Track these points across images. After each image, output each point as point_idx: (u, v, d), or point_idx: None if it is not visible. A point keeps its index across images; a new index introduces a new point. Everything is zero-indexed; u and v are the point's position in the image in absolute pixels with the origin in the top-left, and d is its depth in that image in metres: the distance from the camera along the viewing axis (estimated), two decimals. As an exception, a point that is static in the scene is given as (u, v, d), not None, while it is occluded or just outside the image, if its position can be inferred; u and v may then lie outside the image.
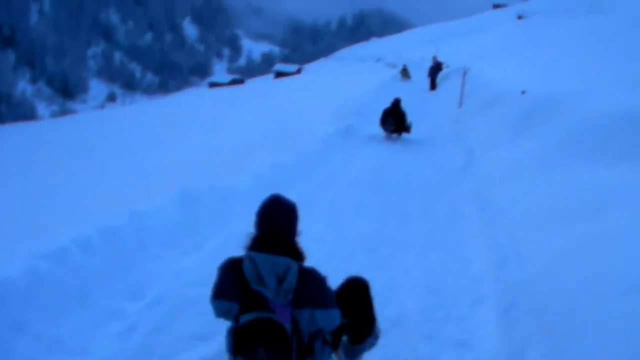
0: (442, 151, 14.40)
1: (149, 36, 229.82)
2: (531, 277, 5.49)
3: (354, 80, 37.22)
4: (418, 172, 11.95)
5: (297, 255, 3.48)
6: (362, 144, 15.03)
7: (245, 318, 3.32)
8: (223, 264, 3.54)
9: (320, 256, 6.76)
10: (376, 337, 4.17)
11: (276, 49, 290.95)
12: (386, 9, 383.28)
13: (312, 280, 3.42)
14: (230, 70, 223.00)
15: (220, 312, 3.50)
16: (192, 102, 34.64)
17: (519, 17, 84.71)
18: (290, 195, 8.83)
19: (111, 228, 5.92)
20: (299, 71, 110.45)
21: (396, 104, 16.07)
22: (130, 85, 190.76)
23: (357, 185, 10.54)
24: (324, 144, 13.45)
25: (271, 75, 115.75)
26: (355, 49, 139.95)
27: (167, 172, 10.26)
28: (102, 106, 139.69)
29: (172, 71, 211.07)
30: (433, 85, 32.64)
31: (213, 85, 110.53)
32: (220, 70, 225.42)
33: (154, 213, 6.64)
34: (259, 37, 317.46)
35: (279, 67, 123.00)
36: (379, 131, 16.32)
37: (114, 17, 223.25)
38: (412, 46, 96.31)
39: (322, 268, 3.61)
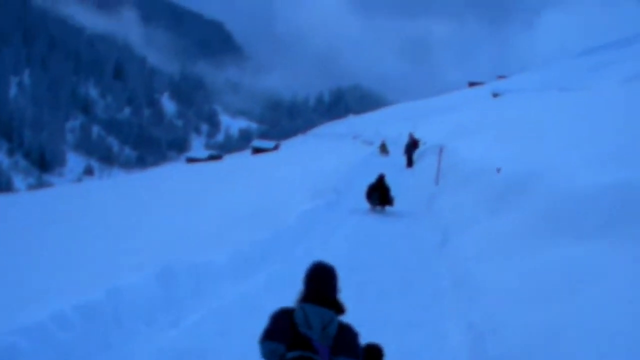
0: (418, 229, 14.54)
1: (127, 111, 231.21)
2: (508, 355, 5.54)
3: (332, 157, 37.66)
4: (395, 250, 12.05)
5: (339, 308, 4.37)
6: (340, 220, 15.16)
7: (290, 355, 4.01)
8: (275, 313, 4.35)
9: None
10: None
11: (254, 125, 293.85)
12: (363, 86, 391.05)
13: (348, 334, 4.22)
14: (208, 146, 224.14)
15: (266, 352, 4.13)
16: (170, 177, 34.74)
17: (495, 95, 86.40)
18: (268, 272, 8.89)
19: (89, 304, 5.91)
20: (276, 147, 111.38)
21: (381, 179, 17.48)
22: (108, 159, 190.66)
23: (333, 263, 10.57)
24: (302, 220, 13.53)
25: (249, 151, 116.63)
26: (333, 126, 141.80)
27: (145, 248, 10.25)
28: (79, 180, 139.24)
29: (150, 146, 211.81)
30: (410, 162, 33.12)
31: (191, 160, 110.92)
32: (198, 146, 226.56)
33: (131, 289, 6.64)
34: (237, 113, 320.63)
35: (257, 143, 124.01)
36: (357, 207, 16.90)
37: (92, 91, 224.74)
38: (390, 123, 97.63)
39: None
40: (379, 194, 17.08)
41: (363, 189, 17.42)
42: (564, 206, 8.38)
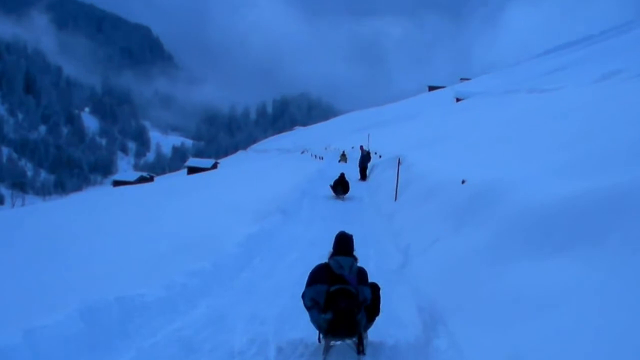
0: (376, 250, 14.58)
1: (42, 129, 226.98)
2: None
3: (278, 174, 37.76)
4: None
5: (355, 258, 7.70)
6: (287, 246, 15.20)
7: (333, 288, 7.19)
8: (315, 268, 7.61)
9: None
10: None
11: (189, 142, 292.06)
12: (311, 94, 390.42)
13: (364, 273, 7.65)
14: (137, 167, 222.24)
15: (313, 293, 7.34)
16: (94, 203, 34.25)
17: (458, 100, 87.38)
18: (207, 305, 8.88)
19: (2, 350, 5.82)
20: (215, 166, 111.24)
21: (342, 176, 26.65)
22: (21, 185, 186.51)
23: (281, 293, 10.57)
24: (246, 246, 13.60)
25: (184, 171, 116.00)
26: (278, 140, 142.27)
27: (69, 282, 10.14)
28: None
29: (70, 168, 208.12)
30: (363, 175, 33.99)
31: (118, 183, 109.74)
32: (125, 167, 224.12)
33: (52, 330, 6.56)
34: (169, 128, 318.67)
35: (193, 162, 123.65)
36: (307, 231, 17.17)
37: (0, 109, 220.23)
38: (342, 134, 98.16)
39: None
40: (342, 187, 25.73)
41: (314, 212, 18.03)
42: (531, 219, 8.46)
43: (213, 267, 11.23)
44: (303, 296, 7.56)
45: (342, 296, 7.17)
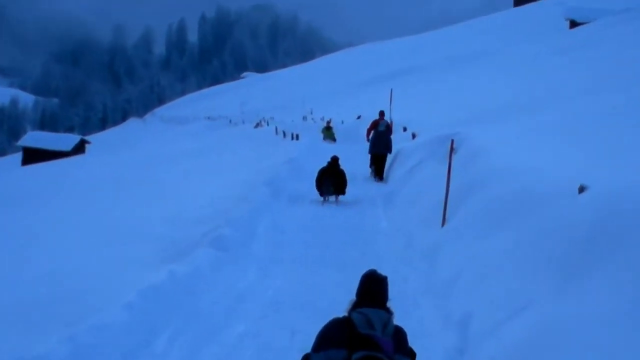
0: (405, 322, 14.61)
1: None
2: None
3: (208, 169, 37.82)
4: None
5: (390, 312, 8.38)
6: (224, 310, 15.02)
7: (356, 356, 7.58)
8: (328, 324, 8.23)
9: None
10: None
11: (28, 98, 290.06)
12: (278, 7, 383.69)
13: (403, 334, 8.37)
14: None
15: None
16: None
17: (573, 24, 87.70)
18: None
19: None
20: (80, 148, 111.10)
21: (334, 162, 28.70)
22: None
23: None
24: (142, 310, 13.50)
25: (18, 157, 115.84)
26: (209, 99, 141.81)
27: None
28: None
29: None
30: (379, 170, 34.18)
31: None
32: None
33: None
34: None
35: (35, 138, 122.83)
36: (264, 280, 17.17)
37: None
38: (339, 91, 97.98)
39: None
40: (333, 180, 27.80)
41: (279, 243, 19.43)
42: None
43: (72, 352, 11.11)
44: None
45: None
